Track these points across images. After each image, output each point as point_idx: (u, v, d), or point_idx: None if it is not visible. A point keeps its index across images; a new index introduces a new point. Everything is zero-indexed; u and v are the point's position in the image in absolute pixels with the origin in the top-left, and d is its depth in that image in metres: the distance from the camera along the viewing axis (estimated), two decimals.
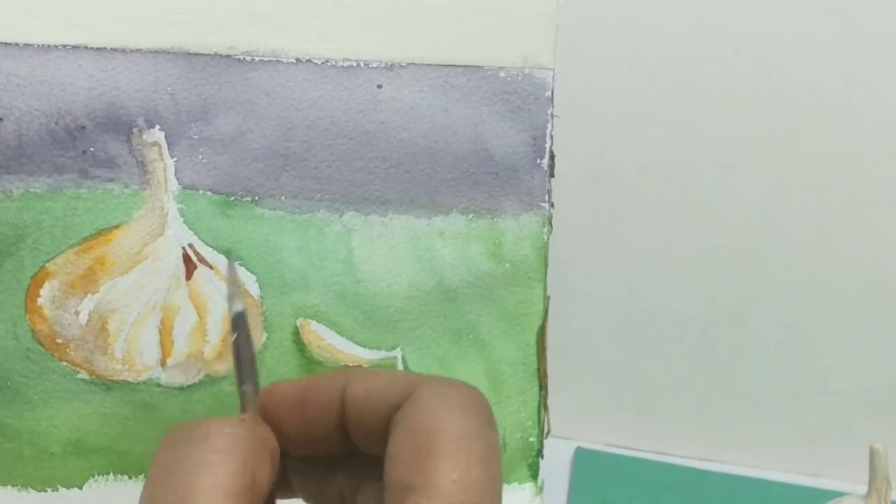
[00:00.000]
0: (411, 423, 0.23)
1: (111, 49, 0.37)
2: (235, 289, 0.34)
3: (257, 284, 0.39)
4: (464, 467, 0.22)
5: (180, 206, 0.38)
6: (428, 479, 0.22)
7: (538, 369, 0.41)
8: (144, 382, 0.39)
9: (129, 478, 0.40)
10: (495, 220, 0.40)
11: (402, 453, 0.22)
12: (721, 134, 0.57)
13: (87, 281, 0.38)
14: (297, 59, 0.38)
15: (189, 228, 0.38)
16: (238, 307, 0.31)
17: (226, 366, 0.39)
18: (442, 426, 0.22)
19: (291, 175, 0.39)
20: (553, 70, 0.39)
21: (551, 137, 0.40)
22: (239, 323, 0.30)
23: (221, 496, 0.22)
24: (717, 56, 0.55)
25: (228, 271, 0.36)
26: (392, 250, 0.39)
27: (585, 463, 0.60)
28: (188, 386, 0.39)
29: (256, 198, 0.39)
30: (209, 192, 0.38)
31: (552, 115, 0.39)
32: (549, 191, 0.40)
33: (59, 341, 0.38)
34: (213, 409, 0.40)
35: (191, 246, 0.38)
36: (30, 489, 0.40)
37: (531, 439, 0.42)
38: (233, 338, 0.30)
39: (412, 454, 0.22)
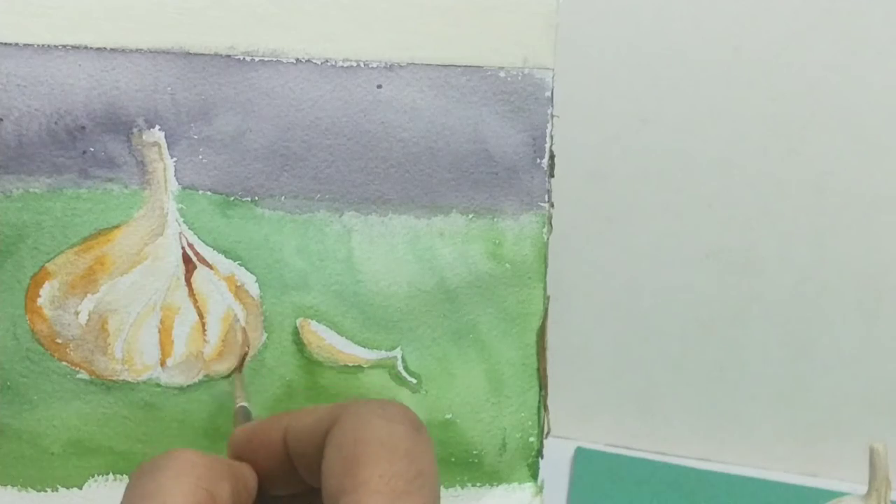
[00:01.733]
0: (338, 440, 0.24)
1: (111, 49, 0.37)
2: (241, 393, 0.38)
3: (257, 284, 0.39)
4: (387, 464, 0.23)
5: (180, 206, 0.38)
6: (356, 479, 0.23)
7: (538, 369, 0.41)
8: (144, 382, 0.39)
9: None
10: (495, 220, 0.40)
11: (332, 466, 0.24)
12: (721, 134, 0.57)
13: (86, 281, 0.38)
14: (297, 60, 0.38)
15: (189, 228, 0.38)
16: (240, 402, 0.34)
17: (226, 366, 0.39)
18: (365, 434, 0.24)
19: (291, 175, 0.39)
20: (553, 70, 0.39)
21: (551, 137, 0.40)
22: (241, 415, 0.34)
23: None
24: (717, 56, 0.55)
25: (238, 382, 0.39)
26: (392, 250, 0.39)
27: (585, 463, 0.60)
28: (188, 386, 0.39)
29: (256, 198, 0.39)
30: (209, 193, 0.38)
31: (552, 115, 0.39)
32: (548, 191, 0.40)
33: (59, 341, 0.38)
34: (212, 408, 0.40)
35: (191, 246, 0.38)
36: (30, 489, 0.40)
37: (531, 439, 0.42)
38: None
39: (341, 464, 0.23)
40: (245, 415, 0.35)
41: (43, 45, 0.37)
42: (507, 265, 0.40)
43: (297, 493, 0.28)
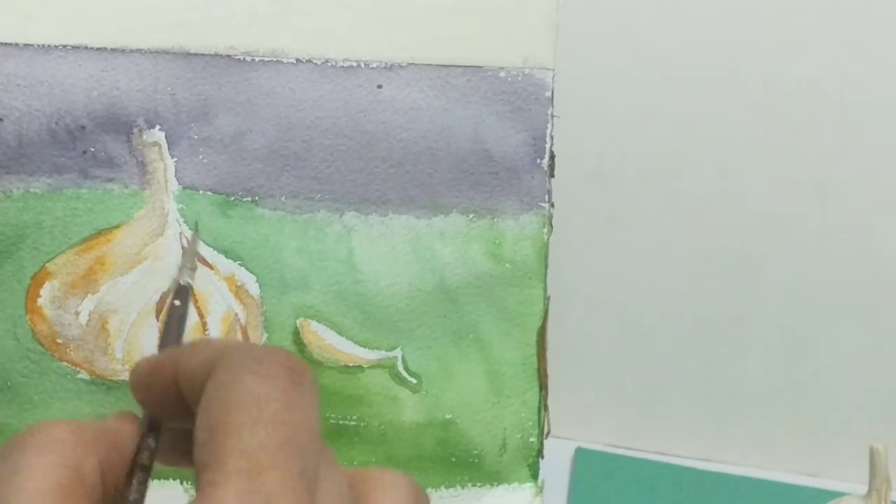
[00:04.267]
0: (207, 400, 0.22)
1: (111, 49, 0.37)
2: (190, 261, 0.35)
3: (257, 284, 0.39)
4: (250, 434, 0.20)
5: (180, 206, 0.38)
6: (217, 453, 0.20)
7: (538, 369, 0.41)
8: None
9: None
10: (495, 220, 0.40)
11: (199, 433, 0.21)
12: (721, 134, 0.57)
13: (87, 281, 0.38)
14: (298, 60, 0.38)
15: (189, 228, 0.38)
16: (186, 278, 0.31)
17: None
18: (232, 395, 0.21)
19: (291, 175, 0.39)
20: (553, 70, 0.39)
21: (551, 137, 0.40)
22: (182, 296, 0.30)
23: (38, 496, 0.21)
24: (717, 56, 0.55)
25: (191, 243, 0.36)
26: (392, 250, 0.39)
27: (585, 463, 0.60)
28: None
29: (256, 198, 0.39)
30: (209, 193, 0.38)
31: (552, 116, 0.39)
32: (549, 191, 0.40)
33: (60, 341, 0.38)
34: None
35: None
36: None
37: (531, 439, 0.42)
38: (170, 303, 0.29)
39: (206, 432, 0.21)
40: (185, 297, 0.32)
41: (43, 45, 0.37)
42: (508, 265, 0.40)
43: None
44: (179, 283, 0.31)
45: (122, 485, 0.24)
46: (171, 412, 0.24)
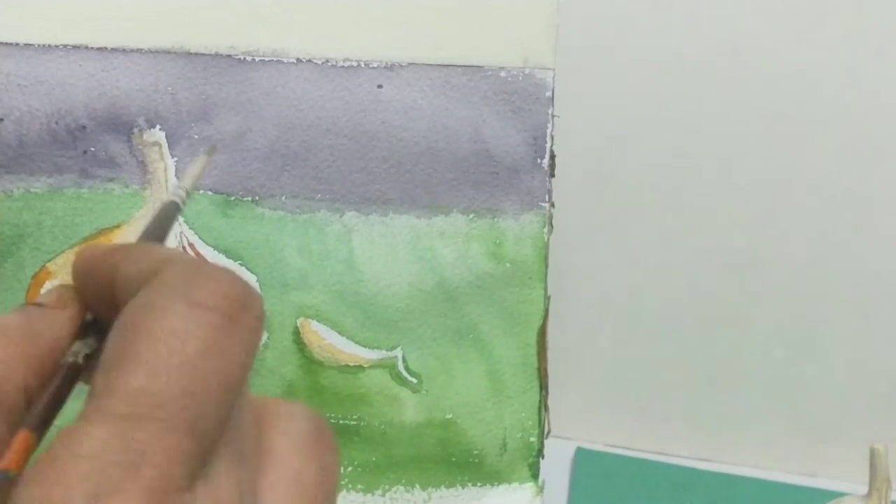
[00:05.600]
0: (122, 320, 0.18)
1: (111, 49, 0.37)
2: (192, 181, 0.29)
3: (258, 284, 0.39)
4: (147, 375, 0.17)
5: None
6: (107, 385, 0.17)
7: (538, 369, 0.41)
8: None
9: None
10: (496, 219, 0.40)
11: (104, 355, 0.18)
12: (721, 134, 0.57)
13: None
14: (298, 59, 0.38)
15: (190, 228, 0.38)
16: (180, 195, 0.25)
17: None
18: (147, 324, 0.18)
19: (292, 175, 0.39)
20: (553, 70, 0.39)
21: (552, 137, 0.40)
22: (171, 210, 0.25)
23: None
24: (717, 56, 0.55)
25: (196, 165, 0.31)
26: (392, 250, 0.39)
27: (585, 463, 0.60)
28: None
29: (257, 198, 0.39)
30: (210, 192, 0.38)
31: (552, 115, 0.39)
32: (549, 191, 0.40)
33: None
34: None
35: (191, 245, 0.38)
36: None
37: (531, 439, 0.42)
38: (165, 202, 0.25)
39: (108, 357, 0.18)
40: (169, 211, 0.25)
41: (43, 45, 0.37)
42: (508, 265, 0.40)
43: None
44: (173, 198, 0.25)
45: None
46: (107, 313, 0.20)
